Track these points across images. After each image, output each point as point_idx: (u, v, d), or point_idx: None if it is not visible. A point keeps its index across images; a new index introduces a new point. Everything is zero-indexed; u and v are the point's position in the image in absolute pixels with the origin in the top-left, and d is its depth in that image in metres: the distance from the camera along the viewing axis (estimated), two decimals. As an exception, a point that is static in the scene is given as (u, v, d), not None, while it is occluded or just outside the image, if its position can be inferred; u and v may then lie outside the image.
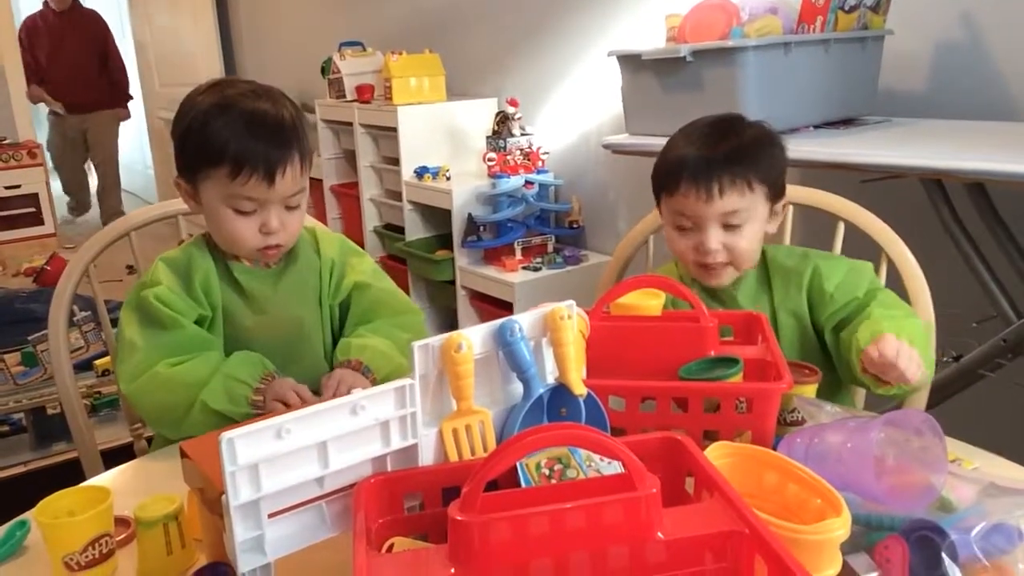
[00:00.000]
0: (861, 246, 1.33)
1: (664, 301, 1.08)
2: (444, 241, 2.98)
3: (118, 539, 0.84)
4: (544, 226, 2.87)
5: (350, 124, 3.28)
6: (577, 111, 2.84)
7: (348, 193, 3.51)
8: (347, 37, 3.55)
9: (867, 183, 1.54)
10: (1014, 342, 1.50)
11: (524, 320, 0.78)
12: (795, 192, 1.37)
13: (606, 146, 2.00)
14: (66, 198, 5.77)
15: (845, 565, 0.65)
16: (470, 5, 3.22)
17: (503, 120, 2.83)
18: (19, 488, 2.15)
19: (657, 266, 1.40)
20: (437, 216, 3.04)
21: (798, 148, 1.35)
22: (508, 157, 2.77)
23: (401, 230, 3.12)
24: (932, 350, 1.23)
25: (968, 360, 1.55)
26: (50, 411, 2.30)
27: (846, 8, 1.71)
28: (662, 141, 1.24)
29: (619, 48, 1.91)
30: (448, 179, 2.92)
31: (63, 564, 0.79)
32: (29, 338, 2.25)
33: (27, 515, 0.87)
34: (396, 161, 3.06)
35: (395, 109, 2.98)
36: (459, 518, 0.55)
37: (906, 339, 1.00)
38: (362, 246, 1.48)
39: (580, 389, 0.79)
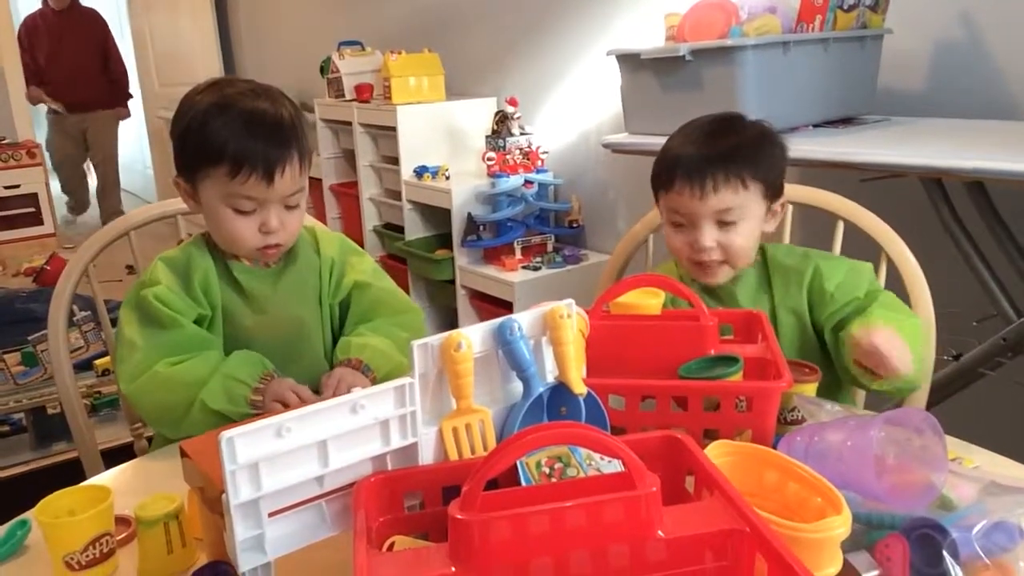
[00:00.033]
0: (861, 245, 1.33)
1: (664, 300, 1.08)
2: (444, 240, 2.98)
3: (119, 538, 0.84)
4: (544, 225, 2.87)
5: (349, 123, 3.28)
6: (576, 110, 2.84)
7: (347, 193, 3.51)
8: (346, 36, 3.55)
9: (866, 182, 1.54)
10: (1014, 341, 1.50)
11: (523, 319, 0.78)
12: (794, 191, 1.37)
13: (605, 145, 2.00)
14: (65, 198, 5.77)
15: (846, 563, 0.65)
16: (469, 4, 3.21)
17: (502, 119, 2.83)
18: (20, 488, 2.15)
19: (657, 265, 1.40)
20: (437, 215, 3.04)
21: (797, 147, 1.35)
22: (507, 156, 2.77)
23: (401, 229, 3.12)
24: (931, 350, 1.24)
25: (968, 359, 1.56)
26: (50, 411, 2.30)
27: (845, 7, 1.71)
28: (661, 140, 1.24)
29: (618, 47, 1.91)
30: (447, 178, 2.92)
31: (64, 563, 0.79)
32: (29, 338, 2.25)
33: (28, 514, 0.87)
34: (395, 160, 3.06)
35: (394, 108, 2.98)
36: (459, 517, 0.55)
37: (901, 335, 1.01)
38: (362, 246, 1.49)
39: (580, 388, 0.79)
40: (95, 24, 5.44)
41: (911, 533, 0.68)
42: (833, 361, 1.16)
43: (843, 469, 0.74)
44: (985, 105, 1.76)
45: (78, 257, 1.37)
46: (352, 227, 3.45)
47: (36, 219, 4.69)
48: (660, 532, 0.57)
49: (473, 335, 0.74)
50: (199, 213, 1.16)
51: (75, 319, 2.28)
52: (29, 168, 4.64)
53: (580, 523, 0.57)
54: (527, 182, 2.78)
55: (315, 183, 3.54)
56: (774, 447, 0.80)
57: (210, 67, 4.98)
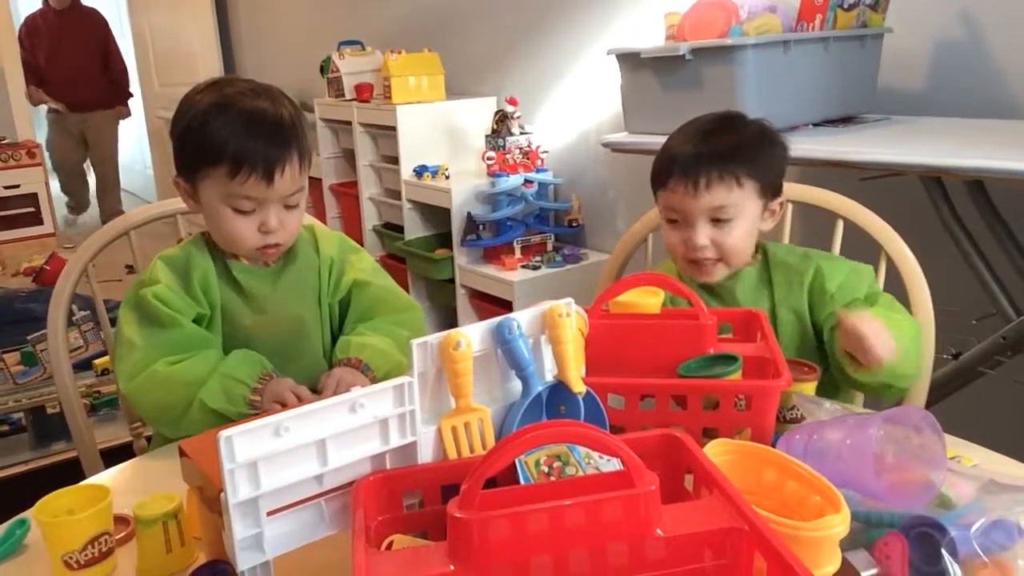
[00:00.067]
0: (860, 244, 1.33)
1: (663, 299, 1.08)
2: (443, 240, 2.98)
3: (117, 537, 0.84)
4: (543, 225, 2.87)
5: (349, 123, 3.28)
6: (576, 110, 2.84)
7: (347, 192, 3.51)
8: (346, 36, 3.55)
9: (866, 181, 1.54)
10: (1013, 339, 1.50)
11: (522, 318, 0.78)
12: (794, 190, 1.37)
13: (605, 144, 2.00)
14: (64, 198, 5.76)
15: (844, 562, 0.65)
16: (469, 4, 3.21)
17: (502, 119, 2.83)
18: (19, 487, 2.15)
19: (656, 264, 1.40)
20: (436, 215, 3.04)
21: (797, 146, 1.35)
22: (507, 156, 2.77)
23: (400, 229, 3.12)
24: (930, 349, 1.24)
25: (967, 358, 1.56)
26: (49, 410, 2.30)
27: (845, 6, 1.71)
28: (661, 139, 1.25)
29: (618, 46, 1.91)
30: (447, 178, 2.92)
31: (62, 562, 0.79)
32: (28, 338, 2.25)
33: (26, 514, 0.87)
34: (395, 160, 3.06)
35: (394, 108, 2.98)
36: (458, 515, 0.55)
37: (894, 331, 1.02)
38: (361, 245, 1.49)
39: (579, 387, 0.79)
40: (96, 24, 5.43)
41: (910, 531, 0.68)
42: (829, 360, 1.16)
43: (842, 467, 0.74)
44: (985, 104, 1.76)
45: (77, 257, 1.37)
46: (352, 227, 3.45)
47: (36, 219, 4.69)
48: (659, 531, 0.57)
49: (472, 334, 0.74)
50: (199, 213, 1.16)
51: (74, 319, 2.28)
52: (29, 168, 4.65)
53: (579, 522, 0.57)
54: (527, 181, 2.78)
55: (315, 183, 3.54)
56: (773, 446, 0.80)
57: (210, 67, 4.98)
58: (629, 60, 1.87)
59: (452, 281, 2.91)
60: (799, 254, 1.23)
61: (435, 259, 2.92)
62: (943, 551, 0.66)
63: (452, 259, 2.88)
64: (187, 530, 0.82)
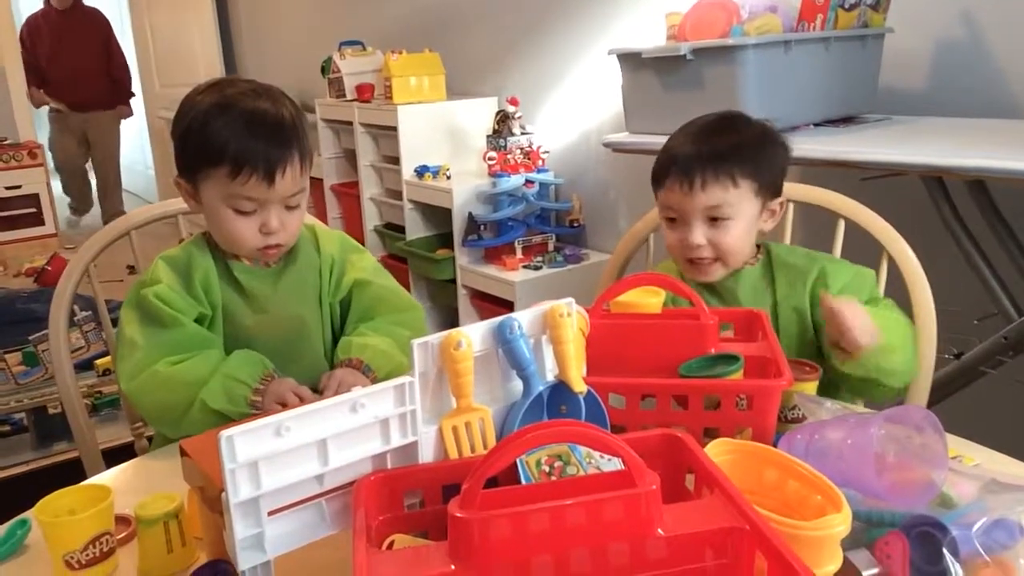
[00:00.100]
0: (862, 244, 1.33)
1: (664, 299, 1.08)
2: (445, 240, 2.98)
3: (119, 537, 0.84)
4: (545, 225, 2.87)
5: (350, 123, 3.28)
6: (577, 110, 2.84)
7: (348, 192, 3.51)
8: (347, 36, 3.55)
9: (867, 181, 1.54)
10: (1015, 339, 1.50)
11: (523, 318, 0.78)
12: (795, 190, 1.37)
13: (606, 144, 2.00)
14: (67, 199, 5.76)
15: (846, 561, 0.65)
16: (470, 4, 3.21)
17: (503, 119, 2.83)
18: (20, 488, 2.15)
19: (657, 263, 1.40)
20: (438, 215, 3.04)
21: (798, 146, 1.35)
22: (508, 156, 2.77)
23: (402, 229, 3.12)
24: (929, 350, 1.24)
25: (969, 357, 1.56)
26: (51, 411, 2.31)
27: (846, 6, 1.71)
28: (662, 139, 1.25)
29: (619, 47, 1.91)
30: (448, 178, 2.92)
31: (64, 562, 0.79)
32: (30, 338, 2.26)
33: (28, 514, 0.87)
34: (396, 160, 3.07)
35: (395, 108, 2.98)
36: (459, 515, 0.55)
37: (880, 324, 1.04)
38: (363, 245, 1.49)
39: (580, 386, 0.79)
40: (98, 23, 5.43)
41: (911, 531, 0.67)
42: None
43: (843, 467, 0.74)
44: (986, 104, 1.76)
45: (79, 257, 1.37)
46: (353, 227, 3.45)
47: (37, 219, 4.69)
48: (660, 530, 0.57)
49: (473, 334, 0.74)
50: (200, 213, 1.16)
51: (76, 319, 2.28)
52: (30, 168, 4.65)
53: (580, 521, 0.56)
54: (528, 182, 2.78)
55: (316, 183, 3.54)
56: (774, 445, 0.80)
57: (211, 67, 4.98)
58: (630, 60, 1.87)
59: (453, 281, 2.91)
60: (803, 255, 1.24)
61: (436, 259, 2.92)
62: (944, 550, 0.66)
63: (453, 259, 2.88)
64: (188, 530, 0.82)
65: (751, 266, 1.23)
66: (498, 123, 2.85)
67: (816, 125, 1.79)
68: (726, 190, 1.15)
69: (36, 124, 5.36)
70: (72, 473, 1.11)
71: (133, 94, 5.63)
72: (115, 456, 1.23)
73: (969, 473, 0.78)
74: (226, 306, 1.16)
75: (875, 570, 0.66)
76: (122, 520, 0.87)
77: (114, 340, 1.27)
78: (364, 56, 3.41)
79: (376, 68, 3.26)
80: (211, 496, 0.71)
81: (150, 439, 1.35)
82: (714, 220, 1.16)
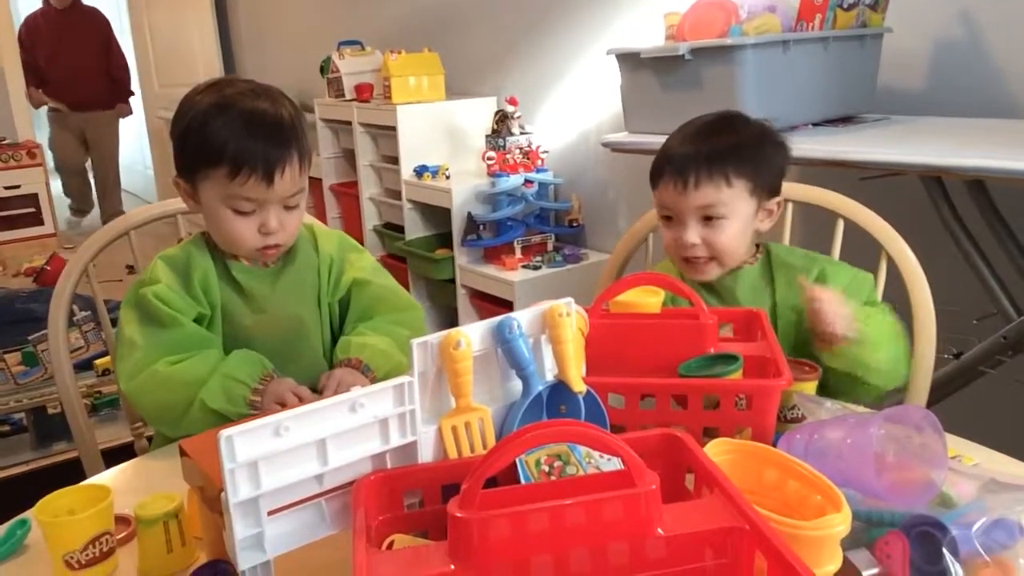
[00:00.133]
0: (861, 244, 1.33)
1: (663, 298, 1.08)
2: (444, 240, 2.98)
3: (118, 537, 0.84)
4: (544, 225, 2.87)
5: (349, 123, 3.28)
6: (576, 110, 2.84)
7: (347, 192, 3.51)
8: (346, 36, 3.55)
9: (866, 181, 1.54)
10: (1014, 339, 1.50)
11: (522, 317, 0.78)
12: (794, 189, 1.37)
13: (605, 144, 2.00)
14: (67, 200, 5.75)
15: (845, 561, 0.65)
16: (469, 4, 3.21)
17: (502, 119, 2.83)
18: (20, 488, 2.15)
19: (656, 263, 1.40)
20: (437, 215, 3.04)
21: (797, 146, 1.35)
22: (507, 156, 2.77)
23: (401, 229, 3.12)
24: (929, 350, 1.24)
25: (968, 357, 1.56)
26: (51, 411, 2.30)
27: (845, 6, 1.71)
28: (661, 139, 1.25)
29: (618, 46, 1.91)
30: (448, 178, 2.92)
31: (63, 562, 0.79)
32: (29, 338, 2.25)
33: (27, 514, 0.87)
34: (395, 160, 3.06)
35: (394, 108, 2.98)
36: (459, 515, 0.55)
37: (861, 317, 1.06)
38: (362, 245, 1.49)
39: (579, 386, 0.79)
40: (97, 23, 5.42)
41: (911, 530, 0.68)
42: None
43: (843, 467, 0.74)
44: (985, 104, 1.76)
45: (78, 257, 1.37)
46: (352, 227, 3.45)
47: (36, 219, 4.69)
48: (660, 530, 0.57)
49: (472, 333, 0.74)
50: (199, 213, 1.16)
51: (75, 319, 2.28)
52: (29, 168, 4.64)
53: (580, 521, 0.56)
54: (527, 181, 2.78)
55: (315, 183, 3.54)
56: (774, 445, 0.80)
57: (210, 67, 4.98)
58: (629, 60, 1.87)
59: (452, 281, 2.91)
60: (803, 255, 1.24)
61: (435, 259, 2.92)
62: (944, 550, 0.66)
63: (452, 259, 2.88)
64: (188, 530, 0.82)
65: (750, 265, 1.23)
66: (497, 123, 2.85)
67: (815, 125, 1.79)
68: (719, 189, 1.15)
69: (35, 124, 5.36)
70: (72, 473, 1.10)
71: (133, 93, 5.63)
72: (115, 456, 1.23)
73: (969, 473, 0.78)
74: (225, 306, 1.16)
75: (875, 570, 0.66)
76: (122, 520, 0.87)
77: (113, 340, 1.27)
78: (363, 56, 3.41)
79: (375, 68, 3.26)
80: (211, 496, 0.71)
81: (150, 439, 1.35)
82: (708, 219, 1.17)
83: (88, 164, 5.69)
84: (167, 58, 5.57)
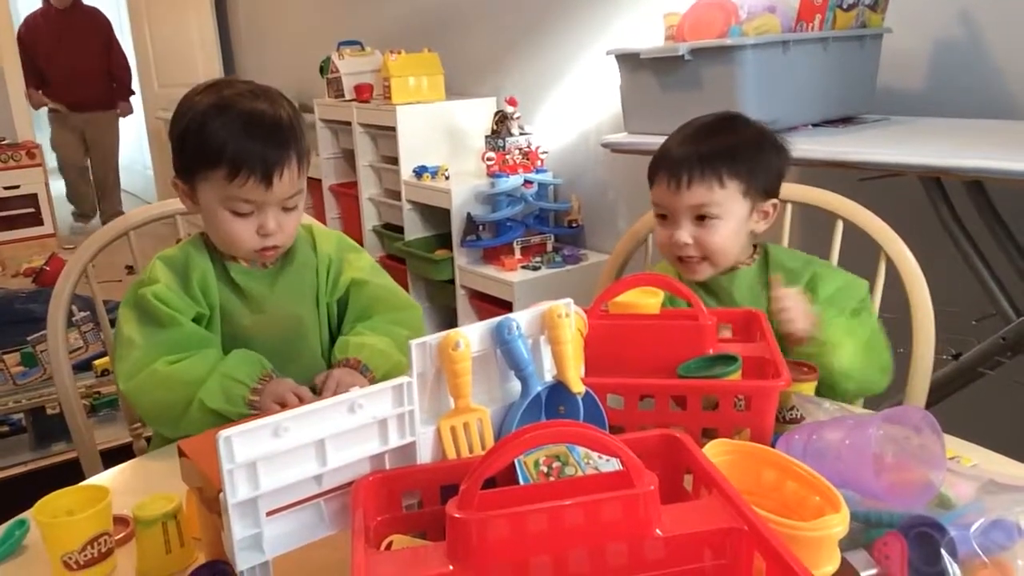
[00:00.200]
0: (860, 244, 1.33)
1: (662, 299, 1.08)
2: (443, 240, 2.98)
3: (117, 538, 0.84)
4: (543, 225, 2.87)
5: (349, 124, 3.28)
6: (576, 110, 2.84)
7: (347, 193, 3.51)
8: (346, 36, 3.55)
9: (865, 181, 1.54)
10: (1013, 340, 1.50)
11: (521, 318, 0.78)
12: (793, 190, 1.37)
13: (605, 145, 2.00)
14: (70, 206, 5.70)
15: (844, 562, 0.65)
16: (469, 4, 3.21)
17: (502, 119, 2.83)
18: (19, 488, 2.15)
19: (655, 264, 1.40)
20: (436, 215, 3.04)
21: (797, 146, 1.35)
22: (507, 156, 2.77)
23: (400, 229, 3.12)
24: (928, 351, 1.24)
25: (967, 358, 1.56)
26: (49, 411, 2.30)
27: (844, 6, 1.71)
28: (661, 140, 1.25)
29: (618, 47, 1.91)
30: (447, 178, 2.92)
31: (62, 563, 0.79)
32: (28, 338, 2.25)
33: (26, 514, 0.87)
34: (395, 160, 3.06)
35: (394, 108, 2.98)
36: (457, 515, 0.55)
37: (832, 323, 1.09)
38: (361, 245, 1.49)
39: (578, 387, 0.79)
40: (98, 23, 5.42)
41: (909, 531, 0.68)
42: None
43: (841, 468, 0.74)
44: (984, 104, 1.76)
45: (77, 257, 1.37)
46: (352, 227, 3.45)
47: (36, 219, 4.70)
48: (658, 531, 0.57)
49: (471, 334, 0.74)
50: (197, 214, 1.16)
51: (74, 319, 2.28)
52: (29, 168, 4.65)
53: (578, 522, 0.56)
54: (526, 182, 2.78)
55: (315, 183, 3.54)
56: (772, 446, 0.80)
57: (210, 67, 4.98)
58: (628, 60, 1.87)
59: (452, 282, 2.91)
60: (801, 259, 1.24)
61: (435, 260, 2.92)
62: (943, 551, 0.66)
63: (452, 260, 2.88)
64: (186, 530, 0.82)
65: (747, 266, 1.23)
66: (497, 123, 2.85)
67: (814, 125, 1.79)
68: (711, 190, 1.16)
69: (35, 124, 5.36)
70: (70, 474, 1.10)
71: (133, 92, 5.62)
72: (113, 457, 1.22)
73: (967, 474, 0.78)
74: (224, 306, 1.16)
75: (873, 571, 0.66)
76: (120, 521, 0.87)
77: (112, 340, 1.27)
78: (363, 56, 3.41)
79: (375, 68, 3.26)
80: (209, 496, 0.71)
81: (148, 440, 1.35)
82: (701, 219, 1.18)
83: (88, 163, 5.67)
84: (167, 58, 5.56)
